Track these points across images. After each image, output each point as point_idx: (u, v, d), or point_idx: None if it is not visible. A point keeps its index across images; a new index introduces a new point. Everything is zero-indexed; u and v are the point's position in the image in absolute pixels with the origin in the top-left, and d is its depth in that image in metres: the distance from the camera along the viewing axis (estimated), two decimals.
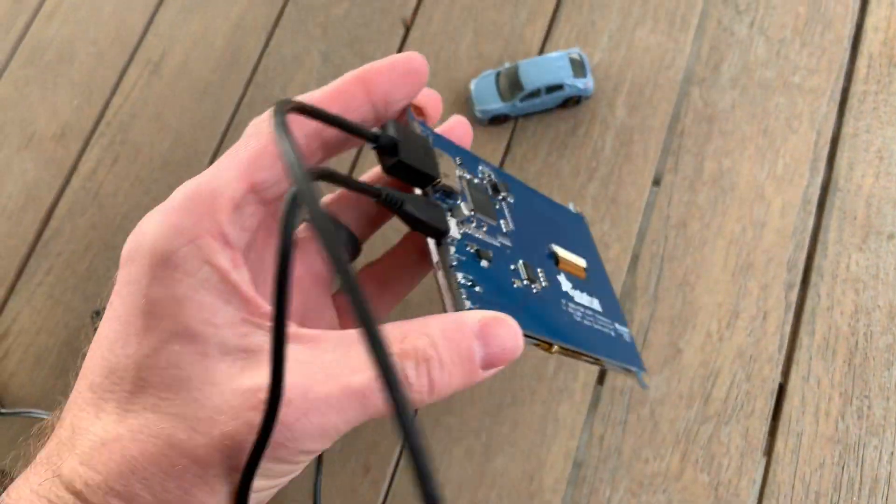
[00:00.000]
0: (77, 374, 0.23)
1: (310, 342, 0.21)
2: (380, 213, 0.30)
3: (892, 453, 0.38)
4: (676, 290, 0.41)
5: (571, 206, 0.36)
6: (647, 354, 0.40)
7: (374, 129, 0.24)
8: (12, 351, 0.43)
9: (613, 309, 0.33)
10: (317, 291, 0.29)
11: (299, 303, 0.28)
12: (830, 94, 0.44)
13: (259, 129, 0.24)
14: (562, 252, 0.31)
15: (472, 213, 0.27)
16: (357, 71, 0.25)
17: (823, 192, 0.43)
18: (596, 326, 0.30)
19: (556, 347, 0.26)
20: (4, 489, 0.21)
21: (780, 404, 0.39)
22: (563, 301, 0.29)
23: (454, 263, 0.24)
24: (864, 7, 0.46)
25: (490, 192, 0.29)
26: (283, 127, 0.18)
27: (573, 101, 0.45)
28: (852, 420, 0.39)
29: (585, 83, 0.44)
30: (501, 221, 0.28)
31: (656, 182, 0.44)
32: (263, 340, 0.21)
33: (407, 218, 0.24)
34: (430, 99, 0.27)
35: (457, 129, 0.30)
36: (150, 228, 0.21)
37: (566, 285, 0.30)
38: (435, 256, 0.24)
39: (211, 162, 0.47)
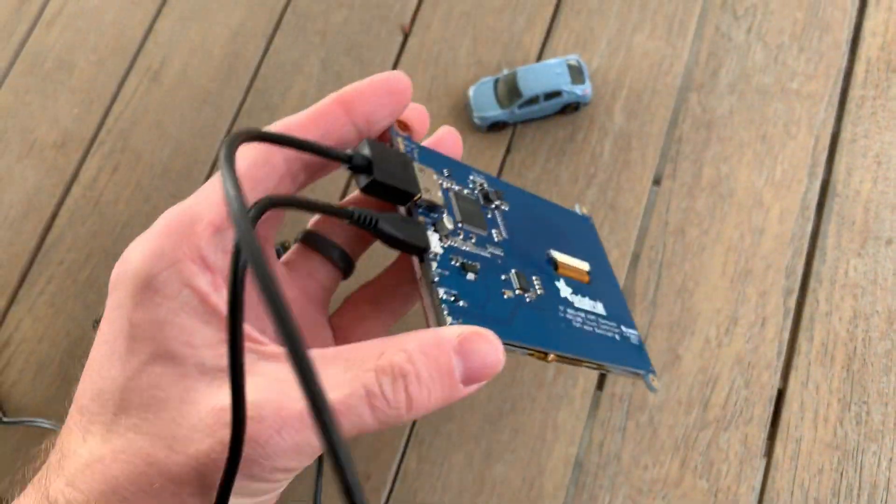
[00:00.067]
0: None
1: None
2: None
3: (890, 459, 0.38)
4: (675, 297, 0.41)
5: (578, 208, 0.36)
6: None
7: (349, 150, 0.24)
8: (14, 360, 0.43)
9: (620, 311, 0.33)
10: (311, 311, 0.29)
11: None
12: (828, 100, 0.44)
13: (242, 153, 0.24)
14: (561, 257, 0.31)
15: (460, 224, 0.26)
16: (337, 93, 0.25)
17: (822, 197, 0.43)
18: (598, 331, 0.30)
19: (552, 356, 0.26)
20: None
21: (779, 410, 0.39)
22: (561, 308, 0.29)
23: (436, 279, 0.24)
24: (862, 12, 0.46)
25: (481, 201, 0.29)
26: (227, 162, 0.18)
27: (571, 108, 0.44)
28: (851, 426, 0.38)
29: (584, 90, 0.44)
30: (493, 231, 0.28)
31: (655, 187, 0.44)
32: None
33: (383, 237, 0.23)
34: (415, 113, 0.27)
35: (446, 139, 0.29)
36: (134, 255, 0.22)
37: (565, 291, 0.30)
38: (418, 272, 0.24)
39: (210, 170, 0.46)
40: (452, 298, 0.24)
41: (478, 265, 0.26)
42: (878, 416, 0.38)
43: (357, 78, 0.47)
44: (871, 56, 0.45)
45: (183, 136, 0.47)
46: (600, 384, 0.41)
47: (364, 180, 0.24)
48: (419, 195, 0.25)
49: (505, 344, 0.25)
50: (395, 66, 0.48)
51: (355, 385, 0.20)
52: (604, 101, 0.45)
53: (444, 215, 0.26)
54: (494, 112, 0.44)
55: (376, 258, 0.30)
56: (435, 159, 0.28)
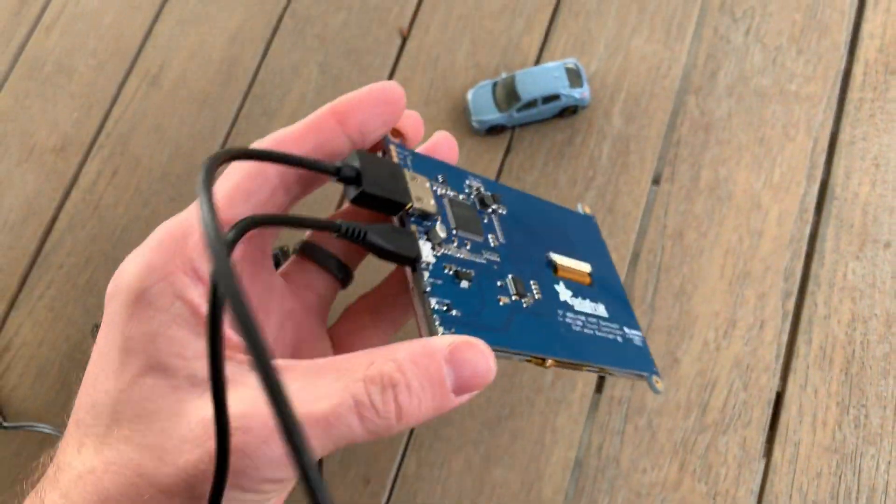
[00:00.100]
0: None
1: (280, 371, 0.21)
2: None
3: (889, 462, 0.38)
4: (673, 300, 0.41)
5: (580, 208, 0.36)
6: None
7: (337, 162, 0.24)
8: (14, 364, 0.43)
9: (622, 313, 0.32)
10: (310, 323, 0.29)
11: (292, 334, 0.28)
12: (827, 102, 0.44)
13: (235, 166, 0.24)
14: (561, 259, 0.30)
15: (454, 231, 0.26)
16: (331, 104, 0.25)
17: (820, 200, 0.42)
18: (599, 334, 0.30)
19: (549, 361, 0.26)
20: None
21: (778, 414, 0.39)
22: (560, 312, 0.28)
23: (427, 289, 0.24)
24: (861, 14, 0.46)
25: (477, 206, 0.29)
26: (204, 187, 0.17)
27: (570, 111, 0.44)
28: (849, 429, 0.38)
29: (582, 93, 0.43)
30: (489, 236, 0.28)
31: (653, 189, 0.44)
32: (233, 371, 0.21)
33: (373, 249, 0.23)
34: (409, 120, 0.27)
35: (441, 145, 0.29)
36: (128, 268, 0.22)
37: (565, 294, 0.29)
38: (410, 283, 0.24)
39: None
40: (445, 308, 0.24)
41: (472, 272, 0.26)
42: (876, 420, 0.38)
43: (355, 81, 0.47)
44: (870, 58, 0.45)
45: (182, 139, 0.47)
46: (599, 387, 0.41)
47: (353, 192, 0.24)
48: (410, 205, 0.25)
49: (500, 351, 0.25)
50: (393, 70, 0.48)
51: (344, 395, 0.20)
52: (602, 105, 0.45)
53: (437, 224, 0.25)
54: (493, 116, 0.44)
55: (376, 268, 0.30)
56: (429, 166, 0.28)
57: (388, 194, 0.24)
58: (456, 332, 0.23)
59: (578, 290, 0.30)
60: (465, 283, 0.25)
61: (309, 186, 0.26)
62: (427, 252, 0.24)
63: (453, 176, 0.29)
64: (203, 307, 0.22)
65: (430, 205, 0.25)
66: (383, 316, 0.30)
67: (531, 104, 0.43)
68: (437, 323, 0.23)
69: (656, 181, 0.44)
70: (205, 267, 0.23)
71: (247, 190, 0.24)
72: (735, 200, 0.43)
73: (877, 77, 0.44)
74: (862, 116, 0.43)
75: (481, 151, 0.45)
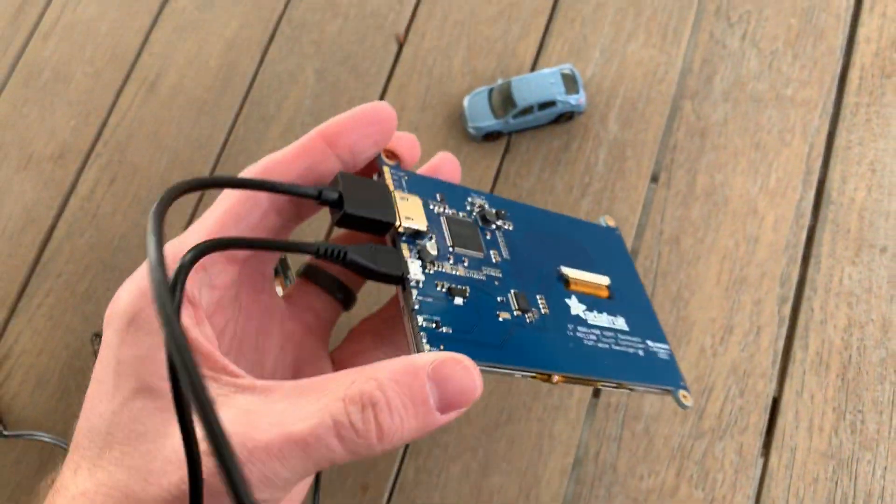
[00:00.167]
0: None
1: (263, 392, 0.21)
2: None
3: (885, 468, 0.37)
4: (670, 306, 0.41)
5: (603, 220, 0.35)
6: None
7: (319, 186, 0.24)
8: (14, 372, 0.43)
9: (646, 326, 0.31)
10: (311, 343, 0.29)
11: (293, 356, 0.29)
12: (823, 107, 0.44)
13: (228, 193, 0.24)
14: (573, 273, 0.30)
15: (451, 248, 0.26)
16: (320, 126, 0.25)
17: (816, 205, 0.42)
18: (616, 348, 0.29)
19: (556, 377, 0.26)
20: None
21: (774, 419, 0.39)
22: (570, 326, 0.28)
23: (416, 307, 0.23)
24: (856, 18, 0.45)
25: (479, 222, 0.29)
26: (155, 222, 0.18)
27: (566, 117, 0.44)
28: (846, 435, 0.38)
29: (578, 99, 0.43)
30: (491, 252, 0.28)
31: (649, 197, 0.43)
32: (217, 393, 0.21)
33: (356, 269, 0.23)
34: (404, 142, 0.27)
35: (443, 165, 0.29)
36: (122, 294, 0.23)
37: (577, 308, 0.29)
38: (401, 301, 0.24)
39: None
40: (433, 325, 0.23)
41: (467, 289, 0.25)
42: (872, 425, 0.38)
43: (352, 87, 0.47)
44: (866, 62, 0.44)
45: (179, 146, 0.47)
46: (596, 393, 0.40)
47: (336, 214, 0.24)
48: (398, 224, 0.25)
49: (497, 367, 0.24)
50: (389, 77, 0.47)
51: (323, 415, 0.20)
52: (598, 110, 0.45)
53: (428, 241, 0.25)
54: (489, 122, 0.44)
55: (382, 290, 0.30)
56: (427, 185, 0.28)
57: (373, 214, 0.24)
58: (445, 349, 0.23)
59: (594, 303, 0.30)
60: (458, 300, 0.25)
61: (305, 209, 0.26)
62: (416, 270, 0.24)
63: (454, 194, 0.29)
64: (191, 330, 0.22)
65: (421, 223, 0.25)
66: (385, 338, 0.30)
67: (527, 110, 0.43)
68: (423, 340, 0.23)
69: (653, 185, 0.43)
70: (196, 291, 0.23)
71: (237, 214, 0.24)
72: (731, 206, 0.42)
73: (872, 81, 0.44)
74: (858, 121, 0.43)
75: (478, 158, 0.45)
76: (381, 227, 0.25)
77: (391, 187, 0.26)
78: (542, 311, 0.27)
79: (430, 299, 0.24)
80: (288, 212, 0.26)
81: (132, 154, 0.47)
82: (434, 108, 0.46)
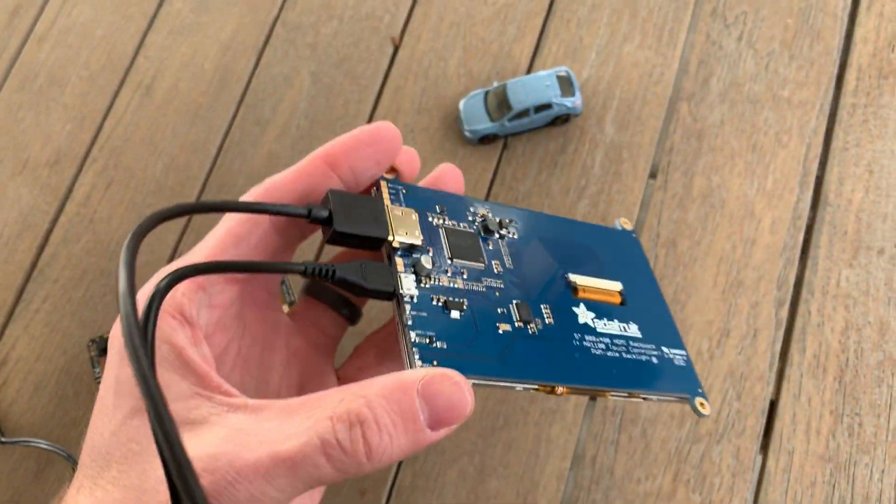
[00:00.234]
0: None
1: (254, 411, 0.21)
2: None
3: (882, 471, 0.37)
4: None
5: (619, 224, 0.34)
6: None
7: (308, 204, 0.24)
8: (11, 379, 0.43)
9: (662, 332, 0.30)
10: (316, 360, 0.29)
11: (298, 373, 0.29)
12: (820, 108, 0.43)
13: (229, 214, 0.25)
14: (582, 280, 0.29)
15: (450, 261, 0.26)
16: (321, 148, 0.25)
17: (813, 207, 0.42)
18: (627, 356, 0.28)
19: (560, 389, 0.25)
20: None
21: (772, 422, 0.39)
22: (577, 335, 0.27)
23: (409, 323, 0.23)
24: (853, 18, 0.45)
25: (481, 232, 0.28)
26: (127, 253, 0.18)
27: (562, 120, 0.43)
28: (843, 438, 0.38)
29: (573, 101, 0.43)
30: (493, 262, 0.27)
31: (645, 200, 0.43)
32: (210, 412, 0.21)
33: (346, 287, 0.23)
34: (404, 156, 0.27)
35: (446, 177, 0.29)
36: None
37: (586, 316, 0.28)
38: (396, 317, 0.24)
39: (203, 186, 0.46)
40: (427, 340, 0.23)
41: (464, 302, 0.25)
42: (870, 428, 0.38)
43: (347, 90, 0.47)
44: (863, 63, 0.44)
45: (175, 151, 0.47)
46: (592, 396, 0.40)
47: (327, 232, 0.23)
48: (391, 239, 0.24)
49: (495, 381, 0.24)
50: (385, 79, 0.47)
51: (311, 434, 0.20)
52: (594, 113, 0.44)
53: (423, 256, 0.25)
54: (485, 125, 0.43)
55: (389, 304, 0.30)
56: (426, 197, 0.27)
57: (365, 231, 0.24)
58: (438, 364, 0.22)
59: (604, 311, 0.29)
60: (455, 314, 0.24)
61: (308, 228, 0.26)
62: (410, 284, 0.24)
63: (455, 205, 0.28)
64: (188, 350, 0.22)
65: (415, 237, 0.25)
66: (389, 353, 0.30)
67: (523, 113, 0.43)
68: (415, 356, 0.22)
69: (650, 187, 0.43)
70: (195, 311, 0.23)
71: (237, 235, 0.24)
72: (728, 208, 0.42)
73: (870, 82, 0.43)
74: (855, 122, 0.43)
75: (474, 161, 0.44)
76: (375, 243, 0.24)
77: (387, 202, 0.26)
78: (547, 320, 0.27)
79: (424, 314, 0.24)
80: (289, 231, 0.26)
81: (128, 158, 0.47)
82: (430, 111, 0.45)
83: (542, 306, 0.27)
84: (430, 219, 0.27)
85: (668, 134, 0.44)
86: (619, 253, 0.32)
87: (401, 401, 0.20)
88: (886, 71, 0.43)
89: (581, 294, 0.29)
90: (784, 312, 0.40)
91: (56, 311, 0.44)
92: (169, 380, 0.22)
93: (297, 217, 0.24)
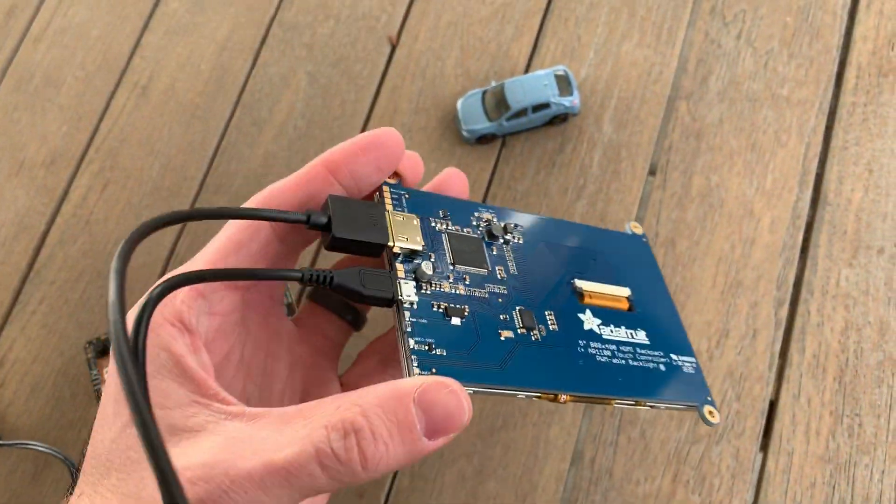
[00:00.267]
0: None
1: (251, 419, 0.21)
2: None
3: (883, 472, 0.37)
4: None
5: (629, 228, 0.34)
6: None
7: (310, 210, 0.24)
8: (8, 381, 0.43)
9: (671, 338, 0.30)
10: (320, 367, 0.29)
11: (301, 380, 0.28)
12: (819, 106, 0.43)
13: (231, 221, 0.25)
14: (589, 286, 0.29)
15: (452, 266, 0.25)
16: (323, 155, 0.25)
17: (813, 206, 0.41)
18: (633, 364, 0.28)
19: (564, 397, 0.25)
20: None
21: (771, 423, 0.38)
22: (582, 342, 0.27)
23: (408, 329, 0.23)
24: (853, 16, 0.44)
25: (485, 237, 0.28)
26: (119, 262, 0.18)
27: (560, 119, 0.43)
28: (843, 438, 0.37)
29: (572, 101, 0.42)
30: (497, 268, 0.27)
31: (644, 200, 0.42)
32: (207, 420, 0.21)
33: (344, 293, 0.23)
34: (408, 161, 0.27)
35: (451, 181, 0.29)
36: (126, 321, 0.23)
37: (591, 322, 0.28)
38: (396, 324, 0.23)
39: (200, 187, 0.45)
40: (426, 347, 0.23)
41: (466, 308, 0.25)
42: (870, 429, 0.37)
43: (344, 90, 0.46)
44: (862, 61, 0.43)
45: (172, 152, 0.46)
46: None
47: (326, 238, 0.23)
48: (392, 244, 0.24)
49: (496, 389, 0.24)
50: (382, 79, 0.46)
51: (305, 443, 0.19)
52: (592, 112, 0.44)
53: (423, 262, 0.25)
54: (482, 125, 0.43)
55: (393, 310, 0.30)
56: (429, 202, 0.27)
57: (364, 237, 0.23)
58: (437, 372, 0.22)
59: (611, 317, 0.28)
60: (456, 320, 0.24)
61: (309, 235, 0.26)
62: (409, 291, 0.24)
63: (459, 209, 0.28)
64: (186, 358, 0.22)
65: (416, 242, 0.25)
66: (392, 360, 0.30)
67: (521, 113, 0.42)
68: (413, 364, 0.22)
69: (647, 188, 0.43)
70: (194, 318, 0.23)
71: (238, 242, 0.24)
72: (727, 208, 0.42)
73: (869, 80, 0.43)
74: (855, 121, 0.42)
75: (472, 161, 0.44)
76: (375, 249, 0.24)
77: (388, 207, 0.26)
78: (551, 327, 0.26)
79: (424, 321, 0.23)
80: (291, 237, 0.25)
81: (124, 159, 0.46)
82: (427, 110, 0.45)
83: (546, 312, 0.27)
84: (433, 224, 0.27)
85: (667, 133, 0.43)
86: (629, 258, 0.32)
87: (397, 409, 0.20)
88: (886, 69, 0.43)
89: (587, 300, 0.28)
90: (783, 312, 0.40)
91: (53, 312, 0.44)
92: (167, 387, 0.22)
93: (296, 223, 0.24)
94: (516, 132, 0.44)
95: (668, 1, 0.45)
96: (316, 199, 0.25)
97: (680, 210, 0.42)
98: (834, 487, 0.37)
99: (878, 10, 0.44)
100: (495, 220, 0.29)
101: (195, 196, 0.45)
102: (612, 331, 0.28)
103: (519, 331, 0.25)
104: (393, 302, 0.24)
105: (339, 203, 0.24)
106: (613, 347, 0.27)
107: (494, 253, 0.27)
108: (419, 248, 0.25)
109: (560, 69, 0.43)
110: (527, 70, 0.45)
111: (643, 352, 0.28)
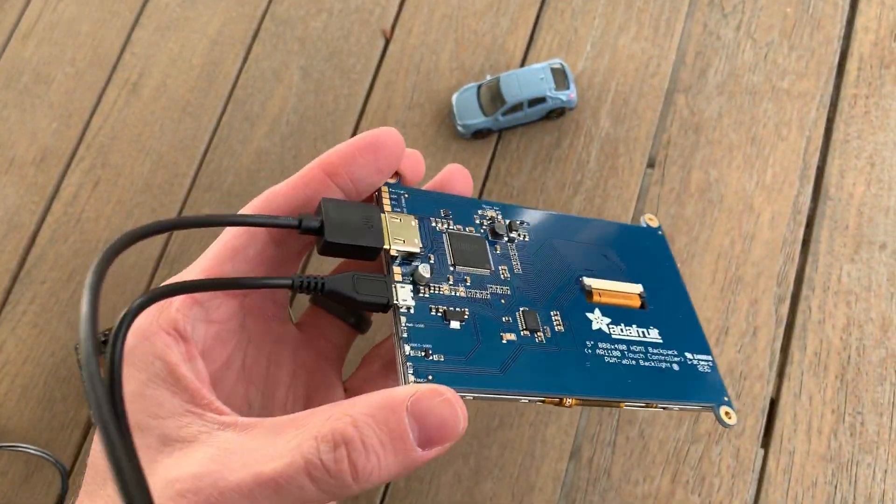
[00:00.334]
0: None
1: (243, 429, 0.20)
2: None
3: (885, 471, 0.36)
4: None
5: (644, 220, 0.32)
6: None
7: (303, 214, 0.23)
8: None
9: (686, 336, 0.28)
10: (324, 371, 0.28)
11: (305, 385, 0.28)
12: (820, 99, 0.42)
13: (228, 228, 0.24)
14: (598, 283, 0.27)
15: (452, 268, 0.24)
16: (320, 158, 0.24)
17: (814, 201, 0.40)
18: (645, 364, 0.26)
19: (569, 401, 0.24)
20: None
21: (772, 422, 0.37)
22: (589, 343, 0.26)
23: (404, 335, 0.22)
24: (854, 6, 0.43)
25: (488, 236, 0.27)
26: (93, 276, 0.17)
27: (556, 113, 0.42)
28: (845, 437, 0.37)
29: (568, 95, 0.41)
30: (500, 268, 0.26)
31: (642, 195, 0.41)
32: (200, 430, 0.21)
33: (337, 299, 0.22)
34: (407, 159, 0.26)
35: (454, 178, 0.28)
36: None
37: (600, 322, 0.27)
38: (393, 329, 0.22)
39: (192, 184, 0.44)
40: (422, 353, 0.22)
41: (466, 311, 0.24)
42: (872, 427, 0.37)
43: (337, 85, 0.45)
44: (864, 52, 0.42)
45: (163, 149, 0.45)
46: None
47: (319, 243, 0.22)
48: (388, 247, 0.23)
49: (498, 395, 0.23)
50: (376, 73, 0.45)
51: (295, 455, 0.19)
52: (589, 106, 0.43)
53: (420, 264, 0.24)
54: (478, 120, 0.42)
55: None
56: (430, 201, 0.26)
57: (358, 240, 0.22)
58: (434, 379, 0.21)
59: (621, 315, 0.27)
60: (455, 324, 0.23)
61: (308, 240, 0.25)
62: (406, 295, 0.23)
63: (462, 208, 0.27)
64: (180, 367, 0.22)
65: (413, 245, 0.24)
66: (394, 365, 0.29)
67: (517, 107, 0.41)
68: (410, 371, 0.21)
69: (646, 183, 0.42)
70: (189, 326, 0.23)
71: (234, 248, 0.23)
72: (726, 203, 0.40)
73: (871, 72, 0.42)
74: (856, 113, 0.41)
75: (467, 156, 0.43)
76: (370, 253, 0.23)
77: (387, 208, 0.25)
78: (556, 328, 0.25)
79: (421, 325, 0.22)
80: (289, 242, 0.25)
81: (115, 157, 0.45)
82: (422, 105, 0.44)
83: (552, 313, 0.26)
84: (434, 224, 0.26)
85: (665, 127, 0.42)
86: (642, 252, 0.31)
87: (389, 420, 0.19)
88: (888, 60, 0.42)
89: (596, 298, 0.27)
90: (784, 309, 0.39)
91: (44, 312, 0.43)
92: (161, 396, 0.21)
93: (289, 228, 0.23)
94: (512, 127, 0.42)
95: None
96: (313, 204, 0.24)
97: (679, 205, 0.41)
98: (836, 487, 0.36)
99: (879, 0, 0.43)
100: (500, 217, 0.28)
101: (186, 193, 0.44)
102: (622, 330, 0.27)
103: (522, 333, 0.24)
104: (389, 307, 0.23)
105: (332, 206, 0.23)
106: (623, 347, 0.26)
107: (498, 252, 0.26)
108: (417, 250, 0.24)
109: (556, 62, 0.42)
110: (523, 63, 0.44)
111: (655, 351, 0.27)
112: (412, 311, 0.23)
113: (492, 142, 0.43)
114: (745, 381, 0.38)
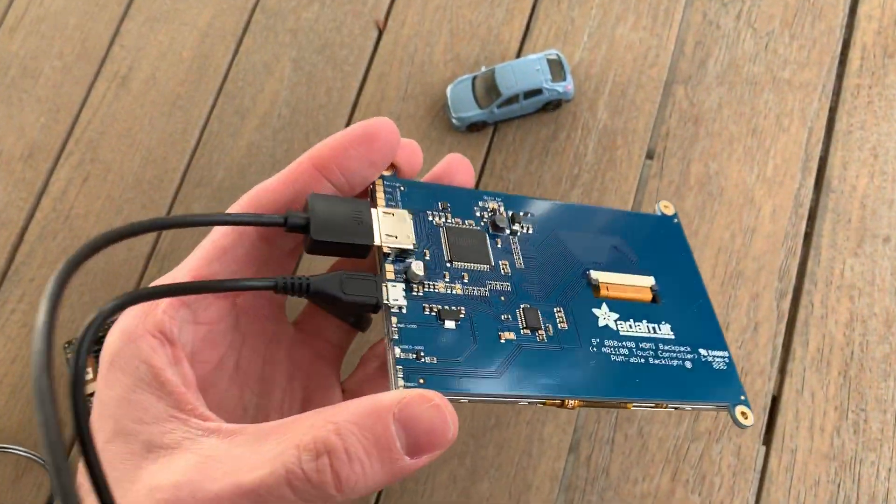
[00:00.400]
0: None
1: (228, 436, 0.19)
2: None
3: (889, 469, 0.35)
4: None
5: (658, 208, 0.31)
6: None
7: (291, 211, 0.22)
8: None
9: (700, 331, 0.27)
10: (322, 371, 0.27)
11: (302, 386, 0.27)
12: (822, 89, 0.40)
13: (217, 227, 0.24)
14: (605, 277, 0.26)
15: (449, 264, 0.23)
16: (310, 151, 0.23)
17: (816, 194, 0.39)
18: (654, 362, 0.25)
19: (572, 403, 0.22)
20: None
21: (774, 420, 0.36)
22: (594, 340, 0.24)
23: (394, 337, 0.21)
24: None
25: (489, 229, 0.25)
26: (54, 285, 0.16)
27: (553, 105, 0.41)
28: (848, 435, 0.35)
29: (565, 86, 0.40)
30: (501, 263, 0.25)
31: (640, 188, 0.40)
32: (184, 436, 0.20)
33: (324, 300, 0.21)
34: (403, 149, 0.25)
35: (454, 169, 0.27)
36: (109, 336, 0.22)
37: (607, 318, 0.25)
38: (385, 329, 0.21)
39: (182, 179, 0.43)
40: (413, 356, 0.21)
41: (462, 310, 0.22)
42: (876, 424, 0.35)
43: (330, 77, 0.44)
44: (867, 41, 0.41)
45: (153, 143, 0.44)
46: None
47: (306, 242, 0.21)
48: (378, 244, 0.22)
49: (495, 398, 0.22)
50: (369, 65, 0.44)
51: (276, 464, 0.18)
52: (586, 97, 0.41)
53: (413, 262, 0.22)
54: (473, 112, 0.40)
55: None
56: (428, 193, 0.25)
57: (347, 238, 0.21)
58: (426, 382, 0.20)
59: (630, 310, 0.26)
60: (450, 324, 0.22)
61: (301, 237, 0.24)
62: (397, 294, 0.21)
63: (461, 200, 0.25)
64: (166, 371, 0.21)
65: (405, 241, 0.22)
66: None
67: (512, 99, 0.40)
68: (399, 375, 0.20)
69: (644, 176, 0.40)
70: (176, 329, 0.22)
71: (222, 247, 0.23)
72: (727, 196, 0.39)
73: (874, 62, 0.40)
74: (859, 104, 0.40)
75: (462, 149, 0.41)
76: (360, 251, 0.22)
77: (381, 202, 0.23)
78: (559, 325, 0.24)
79: (413, 326, 0.21)
80: (280, 240, 0.24)
81: (105, 152, 0.44)
82: (416, 97, 0.43)
83: (555, 309, 0.24)
84: (430, 217, 0.24)
85: (664, 119, 0.41)
86: (656, 242, 0.29)
87: (374, 427, 0.18)
88: (892, 49, 0.40)
89: (603, 293, 0.26)
90: (786, 304, 0.38)
91: (33, 310, 0.42)
92: (146, 401, 0.20)
93: (274, 226, 0.22)
94: (508, 119, 0.41)
95: None
96: (303, 200, 0.23)
97: (678, 198, 0.39)
98: (839, 485, 0.35)
99: None
100: (502, 209, 0.26)
101: (177, 188, 0.43)
102: (630, 326, 0.25)
103: (522, 332, 0.23)
104: (379, 307, 0.21)
105: (319, 202, 0.22)
106: (631, 345, 0.25)
107: (499, 246, 0.25)
108: (409, 246, 0.23)
109: (553, 53, 0.41)
110: (518, 54, 0.43)
111: (667, 348, 0.25)
112: (404, 310, 0.22)
113: (487, 135, 0.42)
114: (746, 377, 0.37)
